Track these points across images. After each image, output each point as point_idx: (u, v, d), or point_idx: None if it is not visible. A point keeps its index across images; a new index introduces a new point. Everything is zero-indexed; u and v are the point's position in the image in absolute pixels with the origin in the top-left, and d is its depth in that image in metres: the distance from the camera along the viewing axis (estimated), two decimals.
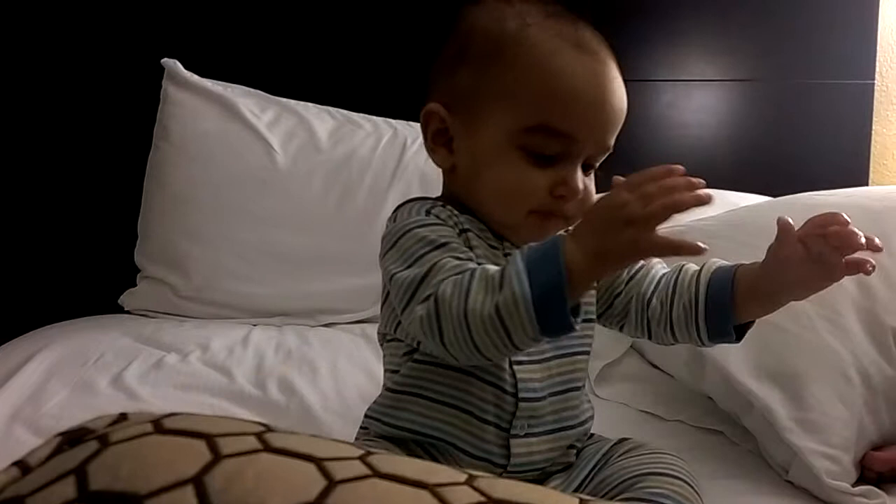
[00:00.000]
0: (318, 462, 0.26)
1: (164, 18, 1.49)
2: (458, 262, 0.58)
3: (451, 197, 0.68)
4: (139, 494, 0.23)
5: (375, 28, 1.55)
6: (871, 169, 1.76)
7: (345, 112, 1.46)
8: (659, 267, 0.71)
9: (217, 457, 0.25)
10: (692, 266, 0.68)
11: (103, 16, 1.47)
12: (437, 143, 0.67)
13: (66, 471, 0.25)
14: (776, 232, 0.62)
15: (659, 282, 0.69)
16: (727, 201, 1.41)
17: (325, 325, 1.27)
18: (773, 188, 1.45)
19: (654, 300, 0.67)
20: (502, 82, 0.62)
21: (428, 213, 0.64)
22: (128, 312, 1.32)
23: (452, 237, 0.61)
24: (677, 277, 0.67)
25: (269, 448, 0.26)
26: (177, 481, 0.24)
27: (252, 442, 0.26)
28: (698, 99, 1.71)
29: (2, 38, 1.45)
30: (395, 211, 0.68)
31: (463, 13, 0.67)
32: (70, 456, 0.26)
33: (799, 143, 1.73)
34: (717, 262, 0.68)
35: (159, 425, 0.27)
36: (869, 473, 0.78)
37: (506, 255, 0.65)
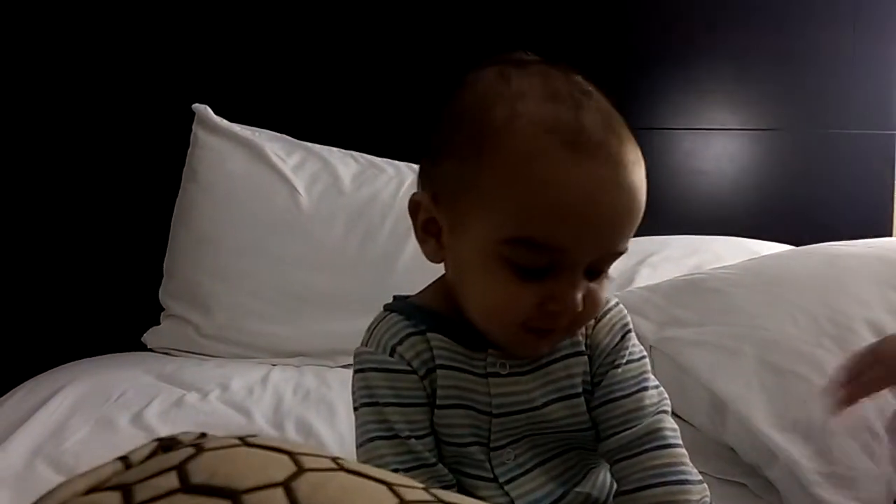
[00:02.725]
0: (390, 485, 0.28)
1: (196, 66, 1.54)
2: (386, 459, 0.57)
3: (447, 285, 0.61)
4: (237, 490, 0.25)
5: (399, 75, 1.59)
6: None
7: (368, 156, 1.49)
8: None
9: (301, 469, 0.27)
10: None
11: (138, 63, 1.53)
12: (427, 232, 0.59)
13: (167, 467, 0.27)
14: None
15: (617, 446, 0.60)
16: (748, 249, 1.41)
17: (344, 367, 1.27)
18: (794, 237, 1.44)
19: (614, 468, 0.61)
20: (482, 185, 0.53)
21: (393, 351, 0.58)
22: (151, 350, 1.34)
23: (402, 397, 0.58)
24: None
25: (344, 469, 0.28)
26: (269, 483, 0.26)
27: (329, 462, 0.29)
28: (718, 147, 1.72)
29: (37, 81, 1.51)
30: (373, 321, 0.62)
31: (457, 90, 0.58)
32: (169, 457, 0.28)
33: (821, 193, 1.73)
34: None
35: (245, 441, 0.29)
36: None
37: (489, 373, 0.59)
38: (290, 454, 0.28)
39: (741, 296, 0.98)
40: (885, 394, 0.81)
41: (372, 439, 0.58)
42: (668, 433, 0.60)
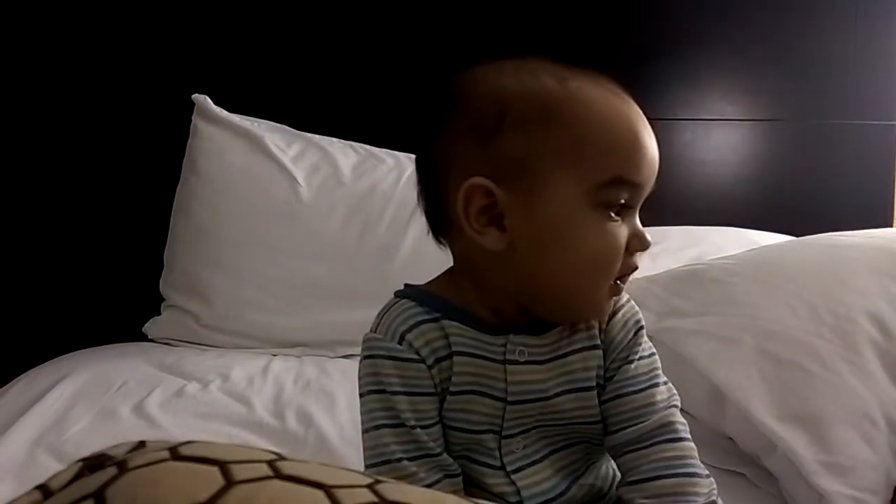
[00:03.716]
0: (328, 489, 0.26)
1: (196, 56, 1.54)
2: (391, 448, 0.57)
3: (463, 277, 0.61)
4: None
5: (399, 66, 1.59)
6: None
7: (368, 147, 1.49)
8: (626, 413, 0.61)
9: (229, 482, 0.26)
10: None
11: (137, 53, 1.53)
12: (483, 223, 0.57)
13: (85, 494, 0.26)
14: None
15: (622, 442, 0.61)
16: (748, 240, 1.41)
17: (344, 357, 1.28)
18: (794, 228, 1.44)
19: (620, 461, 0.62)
20: (559, 143, 0.55)
21: (402, 338, 0.58)
22: (151, 340, 1.34)
23: (410, 386, 0.58)
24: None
25: (280, 475, 0.27)
26: None
27: (264, 469, 0.27)
28: (718, 138, 1.72)
29: (38, 73, 1.51)
30: (384, 307, 0.62)
31: (466, 80, 0.59)
32: (90, 481, 0.27)
33: (821, 183, 1.72)
34: None
35: (175, 452, 0.28)
36: None
37: (507, 360, 0.59)
38: (221, 465, 0.27)
39: (741, 286, 0.98)
40: (885, 384, 0.81)
41: (378, 427, 0.58)
42: (679, 427, 0.61)
